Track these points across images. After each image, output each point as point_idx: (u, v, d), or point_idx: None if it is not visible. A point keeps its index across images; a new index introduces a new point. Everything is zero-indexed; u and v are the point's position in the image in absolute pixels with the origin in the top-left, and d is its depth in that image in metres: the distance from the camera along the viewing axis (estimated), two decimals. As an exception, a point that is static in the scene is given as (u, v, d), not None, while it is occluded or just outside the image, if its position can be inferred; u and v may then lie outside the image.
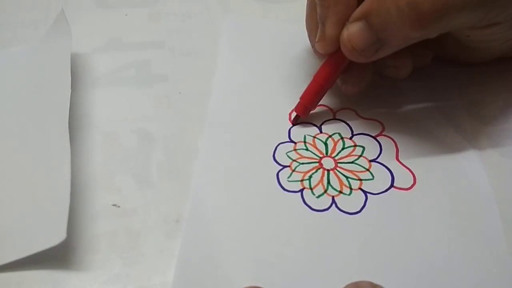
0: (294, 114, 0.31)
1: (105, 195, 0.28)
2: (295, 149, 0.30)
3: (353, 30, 0.27)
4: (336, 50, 0.28)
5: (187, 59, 0.35)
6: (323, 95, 0.30)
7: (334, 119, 0.31)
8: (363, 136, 0.30)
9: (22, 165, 0.28)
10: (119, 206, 0.27)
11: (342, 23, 0.27)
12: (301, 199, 0.27)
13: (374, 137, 0.30)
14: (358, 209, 0.27)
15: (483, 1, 0.25)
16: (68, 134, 0.28)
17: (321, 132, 0.30)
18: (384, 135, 0.30)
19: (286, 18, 0.37)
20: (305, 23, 0.31)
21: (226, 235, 0.26)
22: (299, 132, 0.30)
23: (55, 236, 0.24)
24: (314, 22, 0.30)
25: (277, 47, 0.35)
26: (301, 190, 0.28)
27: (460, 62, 0.33)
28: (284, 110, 0.31)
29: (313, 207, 0.27)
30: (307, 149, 0.30)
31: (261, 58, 0.35)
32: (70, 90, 0.30)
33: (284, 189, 0.28)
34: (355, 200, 0.27)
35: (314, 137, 0.30)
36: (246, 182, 0.28)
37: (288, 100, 0.32)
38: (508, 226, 0.26)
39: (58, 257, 0.25)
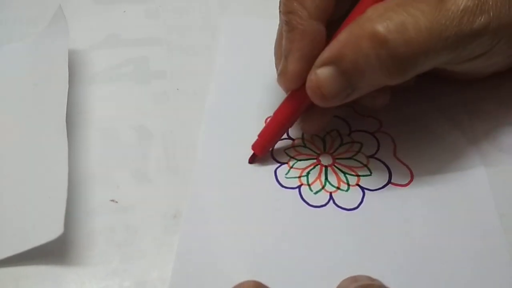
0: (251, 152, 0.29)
1: (103, 191, 0.28)
2: (293, 146, 0.30)
3: (322, 76, 0.24)
4: (299, 87, 0.26)
5: (185, 55, 0.35)
6: (283, 133, 0.29)
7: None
8: (361, 132, 0.30)
9: (20, 161, 0.28)
10: (117, 202, 0.27)
11: (307, 60, 0.25)
12: (298, 195, 0.27)
13: (372, 134, 0.30)
14: (356, 205, 0.27)
15: (461, 40, 0.23)
16: (65, 129, 0.28)
17: (319, 128, 0.30)
18: (382, 132, 0.30)
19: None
20: (274, 50, 0.30)
21: (224, 230, 0.26)
22: (297, 129, 0.30)
23: (52, 231, 0.24)
24: (280, 51, 0.28)
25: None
26: (299, 187, 0.28)
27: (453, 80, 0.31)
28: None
29: (311, 203, 0.27)
30: (305, 146, 0.30)
31: (259, 56, 0.34)
32: (68, 86, 0.30)
33: (282, 186, 0.28)
34: (353, 196, 0.27)
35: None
36: (244, 178, 0.28)
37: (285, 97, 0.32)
38: (506, 221, 0.26)
39: (56, 252, 0.25)
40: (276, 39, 0.29)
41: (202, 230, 0.26)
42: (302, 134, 0.30)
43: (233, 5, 0.38)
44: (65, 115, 0.28)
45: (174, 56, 0.35)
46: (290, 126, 0.29)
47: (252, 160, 0.29)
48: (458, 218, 0.26)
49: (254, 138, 0.29)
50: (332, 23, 0.26)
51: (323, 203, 0.27)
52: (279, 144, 0.29)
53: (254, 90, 0.32)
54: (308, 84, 0.25)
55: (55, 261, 0.25)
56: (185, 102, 0.32)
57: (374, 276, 0.23)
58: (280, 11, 0.28)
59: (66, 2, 0.37)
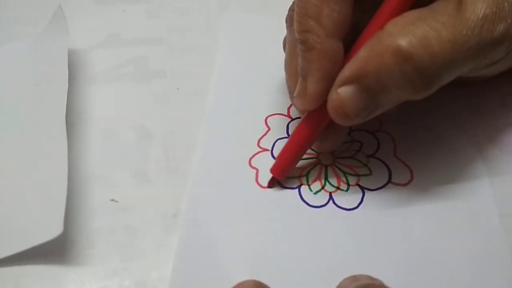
0: (269, 176, 0.28)
1: (103, 191, 0.28)
2: (293, 145, 0.30)
3: (345, 95, 0.24)
4: (317, 108, 0.26)
5: (185, 55, 0.35)
6: (303, 155, 0.28)
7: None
8: (361, 131, 0.30)
9: (20, 160, 0.28)
10: (117, 201, 0.27)
11: (327, 80, 0.25)
12: (298, 196, 0.27)
13: (372, 133, 0.30)
14: (355, 205, 0.27)
15: (482, 49, 0.23)
16: (65, 129, 0.28)
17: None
18: (382, 131, 0.30)
19: (286, 14, 0.37)
20: (284, 66, 0.29)
21: (224, 230, 0.26)
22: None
23: (52, 230, 0.24)
24: (293, 69, 0.27)
25: (276, 44, 0.35)
26: (299, 187, 0.28)
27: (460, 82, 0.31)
28: (282, 107, 0.31)
29: (310, 203, 0.27)
30: (305, 145, 0.30)
31: (260, 55, 0.35)
32: (68, 86, 0.30)
33: (282, 186, 0.28)
34: (352, 196, 0.27)
35: (312, 133, 0.30)
36: (243, 178, 0.28)
37: (286, 96, 0.32)
38: (506, 220, 0.26)
39: (56, 252, 0.25)
40: (287, 55, 0.28)
41: (202, 230, 0.26)
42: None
43: (233, 5, 0.39)
44: (64, 115, 0.28)
45: (174, 56, 0.35)
46: (309, 148, 0.28)
47: (272, 184, 0.28)
48: (459, 217, 0.26)
49: (254, 137, 0.29)
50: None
51: (323, 203, 0.27)
52: (279, 143, 0.29)
53: (255, 89, 0.32)
54: (329, 104, 0.24)
55: (55, 260, 0.25)
56: (185, 102, 0.32)
57: (374, 275, 0.23)
58: (288, 28, 0.27)
59: (66, 2, 0.37)
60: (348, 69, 0.24)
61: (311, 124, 0.26)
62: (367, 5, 0.26)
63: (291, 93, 0.28)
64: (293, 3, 0.27)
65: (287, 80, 0.28)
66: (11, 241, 0.25)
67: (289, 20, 0.28)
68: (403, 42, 0.22)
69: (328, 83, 0.25)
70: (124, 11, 0.38)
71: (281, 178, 0.28)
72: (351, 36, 0.26)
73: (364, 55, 0.23)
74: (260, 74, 0.33)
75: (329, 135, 0.27)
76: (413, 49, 0.22)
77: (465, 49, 0.22)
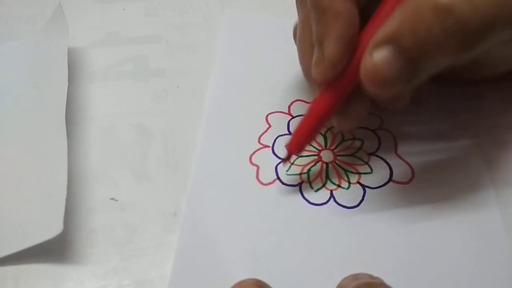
0: (285, 152, 0.27)
1: (103, 189, 0.28)
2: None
3: (380, 58, 0.22)
4: (336, 76, 0.24)
5: (185, 53, 0.35)
6: (320, 129, 0.26)
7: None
8: (362, 129, 0.30)
9: (19, 159, 0.28)
10: (117, 200, 0.27)
11: (344, 43, 0.23)
12: (299, 193, 0.27)
13: (373, 131, 0.30)
14: (356, 203, 0.27)
15: None
16: (65, 127, 0.28)
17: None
18: (383, 129, 0.30)
19: (286, 12, 0.37)
20: (297, 44, 0.28)
21: (224, 228, 0.26)
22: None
23: (51, 229, 0.24)
24: (307, 44, 0.26)
25: (276, 42, 0.35)
26: (300, 184, 0.28)
27: (463, 80, 0.30)
28: (283, 104, 0.31)
29: (311, 201, 0.27)
30: (306, 142, 0.29)
31: (260, 53, 0.35)
32: (67, 84, 0.30)
33: (283, 183, 0.28)
34: (353, 194, 0.27)
35: (313, 130, 0.30)
36: (244, 176, 0.28)
37: (287, 94, 0.32)
38: (507, 219, 0.26)
39: (55, 250, 0.25)
40: (299, 32, 0.27)
41: (202, 228, 0.26)
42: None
43: (233, 3, 0.38)
44: (64, 113, 0.28)
45: (174, 54, 0.35)
46: (327, 121, 0.26)
47: (288, 159, 0.27)
48: (459, 215, 0.26)
49: (254, 134, 0.29)
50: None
51: (324, 201, 0.27)
52: (280, 140, 0.29)
53: (255, 87, 0.32)
54: (363, 71, 0.22)
55: (54, 259, 0.25)
56: (185, 100, 0.32)
57: (375, 274, 0.23)
58: (299, 6, 0.27)
59: (66, 0, 0.37)
60: (383, 30, 0.22)
61: (329, 96, 0.25)
62: None
63: (304, 70, 0.26)
64: None
65: (300, 58, 0.27)
66: (10, 240, 0.25)
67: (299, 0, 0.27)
68: None
69: (347, 46, 0.23)
70: (124, 9, 0.38)
71: (298, 153, 0.27)
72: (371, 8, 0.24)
73: (399, 15, 0.21)
74: (260, 71, 0.33)
75: (349, 110, 0.26)
76: (454, 2, 0.20)
77: (509, 5, 0.21)
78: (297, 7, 0.28)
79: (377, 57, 0.22)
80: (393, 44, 0.22)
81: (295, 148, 0.26)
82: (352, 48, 0.24)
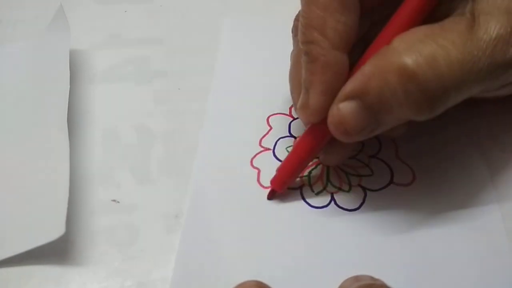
0: (268, 190, 0.27)
1: (105, 191, 0.28)
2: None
3: (346, 111, 0.23)
4: (321, 120, 0.25)
5: (186, 55, 0.35)
6: (304, 168, 0.27)
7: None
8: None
9: (21, 161, 0.28)
10: (118, 202, 0.27)
11: (330, 93, 0.24)
12: (300, 196, 0.27)
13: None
14: (357, 206, 0.27)
15: (494, 71, 0.22)
16: (67, 129, 0.28)
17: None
18: (384, 132, 0.30)
19: (287, 15, 0.37)
20: (288, 76, 0.28)
21: (226, 230, 0.26)
22: (299, 127, 0.30)
23: (54, 231, 0.24)
24: (297, 80, 0.26)
25: (277, 45, 0.35)
26: (301, 187, 0.28)
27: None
28: (284, 106, 0.31)
29: (312, 204, 0.27)
30: (307, 145, 0.29)
31: (260, 55, 0.35)
32: (69, 85, 0.30)
33: (282, 199, 0.27)
34: (354, 196, 0.27)
35: (314, 132, 0.30)
36: (245, 178, 0.28)
37: (288, 97, 0.32)
38: (509, 221, 0.26)
39: (57, 252, 0.25)
40: (291, 66, 0.28)
41: (204, 230, 0.26)
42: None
43: (234, 5, 0.38)
44: (66, 115, 0.28)
45: (175, 55, 0.35)
46: (311, 161, 0.27)
47: (272, 196, 0.27)
48: (461, 218, 0.26)
49: (255, 137, 0.29)
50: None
51: (325, 204, 0.27)
52: (280, 142, 0.29)
53: (256, 89, 0.32)
54: (330, 119, 0.24)
55: (56, 261, 0.25)
56: (187, 102, 0.32)
57: (376, 276, 0.23)
58: (294, 39, 0.27)
59: (67, 2, 0.37)
60: (351, 85, 0.23)
61: (313, 137, 0.26)
62: (376, 17, 0.26)
63: (295, 104, 0.27)
64: (299, 13, 0.27)
65: (291, 91, 0.28)
66: (13, 242, 0.25)
67: (295, 30, 0.27)
68: (408, 60, 0.21)
69: (332, 96, 0.24)
70: (126, 11, 0.38)
71: (281, 191, 0.27)
72: (359, 49, 0.25)
73: (367, 71, 0.22)
74: (261, 73, 0.33)
75: (334, 147, 0.26)
76: (419, 69, 0.21)
77: (475, 71, 0.21)
78: (292, 39, 0.28)
79: (343, 109, 0.23)
80: (359, 99, 0.23)
81: (279, 185, 0.27)
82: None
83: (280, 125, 0.30)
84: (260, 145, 0.29)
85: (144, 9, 0.38)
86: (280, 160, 0.29)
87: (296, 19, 0.27)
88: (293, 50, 0.28)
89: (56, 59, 0.32)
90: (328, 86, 0.24)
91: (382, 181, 0.28)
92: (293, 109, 0.31)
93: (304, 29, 0.24)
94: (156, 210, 0.27)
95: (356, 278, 0.22)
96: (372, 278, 0.22)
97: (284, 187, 0.27)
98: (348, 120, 0.23)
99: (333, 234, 0.26)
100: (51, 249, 0.24)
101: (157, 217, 0.27)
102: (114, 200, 0.27)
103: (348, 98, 0.23)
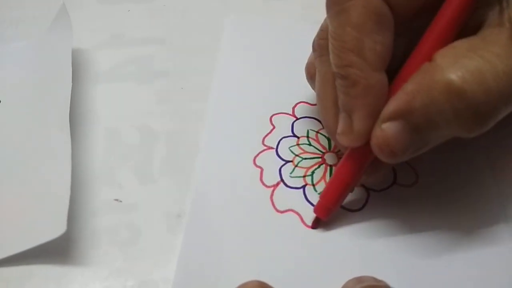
0: (313, 216, 0.26)
1: (107, 190, 0.28)
2: (298, 144, 0.29)
3: (390, 131, 0.22)
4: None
5: (189, 54, 0.35)
6: (348, 194, 0.26)
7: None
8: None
9: (23, 159, 0.28)
10: (121, 201, 0.27)
11: (374, 117, 0.23)
12: (303, 196, 0.27)
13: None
14: (360, 206, 0.27)
15: None
16: (69, 128, 0.28)
17: (324, 127, 0.30)
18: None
19: (288, 15, 0.37)
20: (316, 97, 0.27)
21: (228, 230, 0.26)
22: (302, 127, 0.30)
23: (55, 229, 0.24)
24: (330, 102, 0.25)
25: (279, 44, 0.35)
26: (303, 187, 0.28)
27: None
28: (287, 106, 0.31)
29: (315, 203, 0.27)
30: (310, 144, 0.29)
31: (262, 55, 0.35)
32: (71, 85, 0.30)
33: (287, 186, 0.28)
34: (357, 196, 0.27)
35: (317, 132, 0.30)
36: (248, 177, 0.28)
37: (290, 96, 0.32)
38: (512, 222, 0.26)
39: (59, 251, 0.25)
40: (319, 87, 0.26)
41: (206, 230, 0.26)
42: (307, 132, 0.30)
43: (236, 5, 0.38)
44: (68, 114, 0.28)
45: (178, 55, 0.35)
46: (356, 185, 0.26)
47: (316, 225, 0.26)
48: (464, 219, 0.26)
49: (258, 135, 0.29)
50: None
51: (328, 204, 0.27)
52: (284, 142, 0.29)
53: (258, 89, 0.32)
54: (374, 140, 0.23)
55: (58, 260, 0.25)
56: (189, 102, 0.32)
57: (379, 277, 0.23)
58: (318, 58, 0.26)
59: (70, 1, 0.37)
60: (393, 104, 0.22)
61: (356, 161, 0.25)
62: (401, 30, 0.24)
63: (328, 127, 0.26)
64: (321, 30, 0.26)
65: (321, 112, 0.27)
66: (14, 240, 0.25)
67: (319, 49, 0.26)
68: (454, 76, 0.20)
69: (375, 118, 0.23)
70: (128, 10, 0.38)
71: (325, 219, 0.26)
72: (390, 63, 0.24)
73: (411, 89, 0.21)
74: (264, 72, 0.33)
75: (376, 167, 0.25)
76: (466, 85, 0.20)
77: None
78: (315, 57, 0.27)
79: (387, 130, 0.22)
80: (403, 119, 0.22)
81: (324, 213, 0.26)
82: None
83: (283, 125, 0.30)
84: (263, 143, 0.29)
85: (147, 9, 0.38)
86: (283, 159, 0.29)
87: (320, 38, 0.26)
88: (317, 71, 0.26)
89: (58, 59, 0.32)
90: (372, 109, 0.23)
91: (385, 182, 0.28)
92: (296, 109, 0.31)
93: (339, 52, 0.23)
94: (158, 209, 0.27)
95: (359, 279, 0.22)
96: (375, 279, 0.22)
97: (329, 215, 0.26)
98: (393, 140, 0.22)
99: (335, 234, 0.26)
100: (52, 248, 0.24)
101: (159, 217, 0.27)
102: (116, 200, 0.27)
103: (391, 118, 0.22)
